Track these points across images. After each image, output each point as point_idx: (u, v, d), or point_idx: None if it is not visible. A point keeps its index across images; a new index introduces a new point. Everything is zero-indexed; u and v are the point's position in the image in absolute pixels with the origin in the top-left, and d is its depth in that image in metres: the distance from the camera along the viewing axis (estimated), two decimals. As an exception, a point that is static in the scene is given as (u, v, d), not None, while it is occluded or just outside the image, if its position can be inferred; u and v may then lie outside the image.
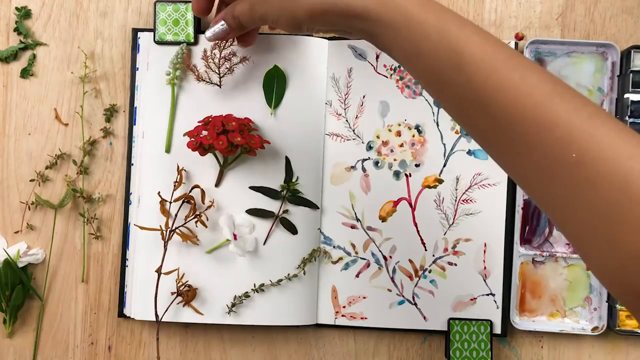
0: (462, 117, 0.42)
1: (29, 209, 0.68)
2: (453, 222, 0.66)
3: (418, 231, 0.66)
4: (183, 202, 0.64)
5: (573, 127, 0.36)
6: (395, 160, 0.66)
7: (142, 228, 0.64)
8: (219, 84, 0.65)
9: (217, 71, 0.64)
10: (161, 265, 0.63)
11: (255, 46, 0.65)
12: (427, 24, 0.41)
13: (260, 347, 0.68)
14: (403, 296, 0.66)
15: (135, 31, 0.66)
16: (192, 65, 0.64)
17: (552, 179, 0.37)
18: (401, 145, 0.66)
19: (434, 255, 0.66)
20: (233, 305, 0.64)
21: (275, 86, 0.64)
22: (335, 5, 0.44)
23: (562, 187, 0.36)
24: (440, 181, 0.66)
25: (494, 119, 0.39)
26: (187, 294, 0.64)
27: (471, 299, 0.65)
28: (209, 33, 0.55)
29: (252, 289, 0.65)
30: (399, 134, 0.66)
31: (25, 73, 0.68)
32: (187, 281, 0.64)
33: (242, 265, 0.65)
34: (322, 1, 0.44)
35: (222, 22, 0.54)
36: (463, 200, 0.65)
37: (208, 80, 0.64)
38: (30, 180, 0.68)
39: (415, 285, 0.66)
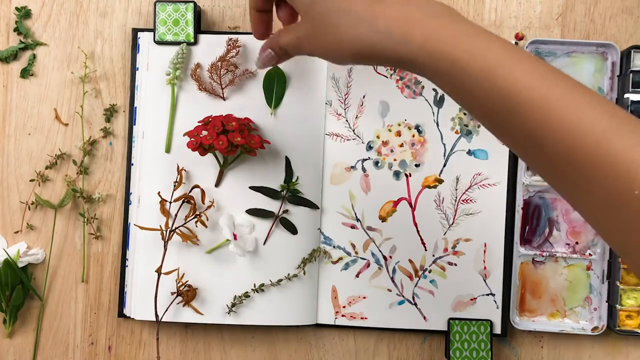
0: (520, 153, 0.42)
1: (29, 209, 0.68)
2: (453, 222, 0.66)
3: (418, 231, 0.66)
4: (183, 202, 0.64)
5: (633, 163, 0.35)
6: (395, 160, 0.66)
7: (142, 228, 0.64)
8: (222, 95, 0.65)
9: (219, 82, 0.64)
10: (161, 265, 0.63)
11: (255, 46, 0.65)
12: (475, 70, 0.39)
13: (260, 347, 0.68)
14: (403, 296, 0.66)
15: (135, 31, 0.66)
16: (197, 76, 0.64)
17: (613, 214, 0.37)
18: (401, 145, 0.66)
19: (434, 255, 0.66)
20: (233, 305, 0.64)
21: (275, 86, 0.64)
22: (381, 53, 0.43)
23: (625, 221, 0.36)
24: (440, 181, 0.66)
25: (552, 157, 0.38)
26: (187, 294, 0.64)
27: (471, 299, 0.65)
28: (258, 62, 0.56)
29: (252, 289, 0.65)
30: (399, 134, 0.66)
31: (25, 73, 0.68)
32: (187, 281, 0.64)
33: (242, 265, 0.65)
34: (367, 47, 0.43)
35: (270, 50, 0.54)
36: (463, 200, 0.65)
37: (212, 91, 0.65)
38: (30, 180, 0.68)
39: (415, 285, 0.66)
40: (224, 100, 0.65)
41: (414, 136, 0.66)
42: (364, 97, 0.66)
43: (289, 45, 0.51)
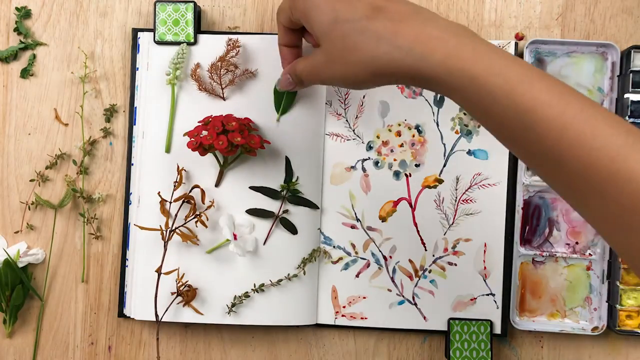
0: (535, 168, 0.42)
1: (29, 209, 0.68)
2: (453, 222, 0.66)
3: (418, 231, 0.66)
4: (183, 202, 0.64)
5: None
6: (395, 160, 0.66)
7: (142, 228, 0.64)
8: (222, 95, 0.65)
9: (219, 82, 0.64)
10: (161, 265, 0.63)
11: (255, 46, 0.65)
12: (494, 86, 0.40)
13: (260, 347, 0.68)
14: (403, 296, 0.66)
15: (135, 31, 0.66)
16: (197, 76, 0.64)
17: (628, 228, 0.37)
18: (401, 145, 0.66)
19: (434, 255, 0.66)
20: (233, 305, 0.64)
21: (284, 94, 0.64)
22: (401, 70, 0.44)
23: (639, 235, 0.37)
24: (440, 181, 0.66)
25: (568, 173, 0.39)
26: (187, 294, 0.64)
27: (471, 299, 0.65)
28: (278, 85, 0.59)
29: (252, 289, 0.65)
30: (399, 134, 0.66)
31: (25, 73, 0.68)
32: (187, 281, 0.64)
33: (242, 265, 0.65)
34: (387, 65, 0.44)
35: (288, 76, 0.56)
36: (463, 200, 0.65)
37: (212, 91, 0.65)
38: (30, 180, 0.68)
39: (415, 285, 0.66)
40: (224, 100, 0.65)
41: (414, 136, 0.66)
42: (364, 97, 0.66)
43: (303, 72, 0.52)
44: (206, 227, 0.64)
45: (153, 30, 0.65)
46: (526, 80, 0.40)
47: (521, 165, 0.65)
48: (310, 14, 0.48)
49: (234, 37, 0.64)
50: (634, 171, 0.36)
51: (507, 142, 0.43)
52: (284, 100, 0.64)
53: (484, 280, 0.65)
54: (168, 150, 0.65)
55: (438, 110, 0.65)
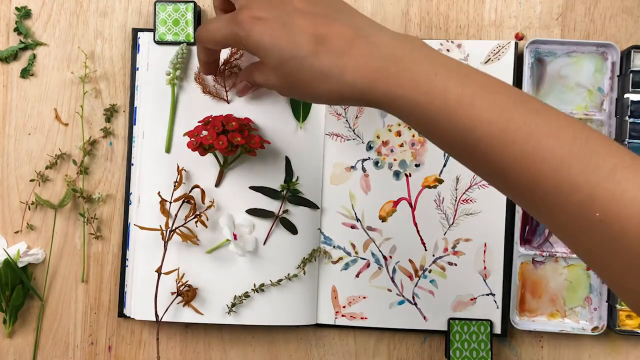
0: (487, 181, 0.43)
1: (29, 209, 0.68)
2: (453, 222, 0.66)
3: (418, 231, 0.66)
4: (183, 202, 0.64)
5: (593, 188, 0.36)
6: (395, 160, 0.66)
7: (142, 228, 0.64)
8: (226, 98, 0.65)
9: (223, 84, 0.64)
10: (161, 265, 0.63)
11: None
12: (435, 110, 0.41)
13: (260, 347, 0.68)
14: (403, 296, 0.66)
15: (135, 31, 0.66)
16: (201, 80, 0.64)
17: (580, 236, 0.38)
18: (401, 145, 0.66)
19: (434, 255, 0.66)
20: (233, 305, 0.64)
21: (301, 102, 0.64)
22: (353, 101, 0.45)
23: (591, 243, 0.37)
24: (440, 181, 0.66)
25: (515, 186, 0.40)
26: (187, 294, 0.64)
27: (471, 299, 0.65)
28: (237, 94, 0.64)
29: (252, 289, 0.65)
30: (399, 134, 0.66)
31: (25, 73, 0.68)
32: (187, 281, 0.64)
33: (242, 265, 0.65)
34: (339, 98, 0.46)
35: (246, 82, 0.60)
36: (463, 200, 0.65)
37: (216, 94, 0.65)
38: (30, 180, 0.68)
39: (415, 285, 0.66)
40: (228, 103, 0.65)
41: (414, 136, 0.66)
42: (364, 97, 0.66)
43: (263, 85, 0.52)
44: (206, 227, 0.64)
45: (153, 30, 0.65)
46: (465, 99, 0.40)
47: (521, 165, 0.65)
48: (258, 52, 0.48)
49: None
50: (577, 180, 0.37)
51: (458, 159, 0.44)
52: (302, 108, 0.64)
53: (484, 280, 0.65)
54: (168, 150, 0.65)
55: (438, 110, 0.65)
